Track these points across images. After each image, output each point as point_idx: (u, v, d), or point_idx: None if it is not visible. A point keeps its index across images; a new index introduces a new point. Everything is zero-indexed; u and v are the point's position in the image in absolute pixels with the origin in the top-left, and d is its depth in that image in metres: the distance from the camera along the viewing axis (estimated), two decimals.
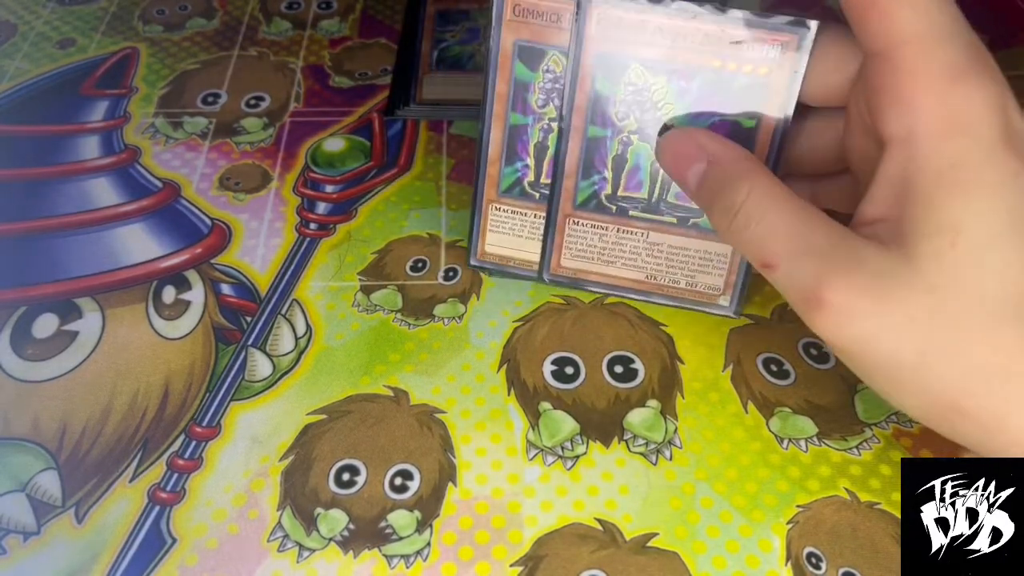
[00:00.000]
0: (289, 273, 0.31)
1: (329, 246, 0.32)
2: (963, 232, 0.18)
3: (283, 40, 0.42)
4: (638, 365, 0.29)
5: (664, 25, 0.24)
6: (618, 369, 0.28)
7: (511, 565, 0.24)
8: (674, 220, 0.27)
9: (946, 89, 0.19)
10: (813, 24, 0.23)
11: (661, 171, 0.26)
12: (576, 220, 0.28)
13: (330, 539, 0.24)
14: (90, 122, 0.37)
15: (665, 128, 0.25)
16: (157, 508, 0.25)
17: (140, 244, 0.32)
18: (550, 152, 0.26)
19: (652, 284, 0.29)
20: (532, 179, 0.27)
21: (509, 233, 0.29)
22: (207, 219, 0.33)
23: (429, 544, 0.24)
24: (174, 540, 0.24)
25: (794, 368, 0.29)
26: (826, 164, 0.25)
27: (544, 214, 0.28)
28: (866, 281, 0.19)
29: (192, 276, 0.31)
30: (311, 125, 0.37)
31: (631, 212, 0.27)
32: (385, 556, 0.24)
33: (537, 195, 0.27)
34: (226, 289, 0.31)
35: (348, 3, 0.45)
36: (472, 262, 0.29)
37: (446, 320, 0.30)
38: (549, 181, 0.27)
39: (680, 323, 0.30)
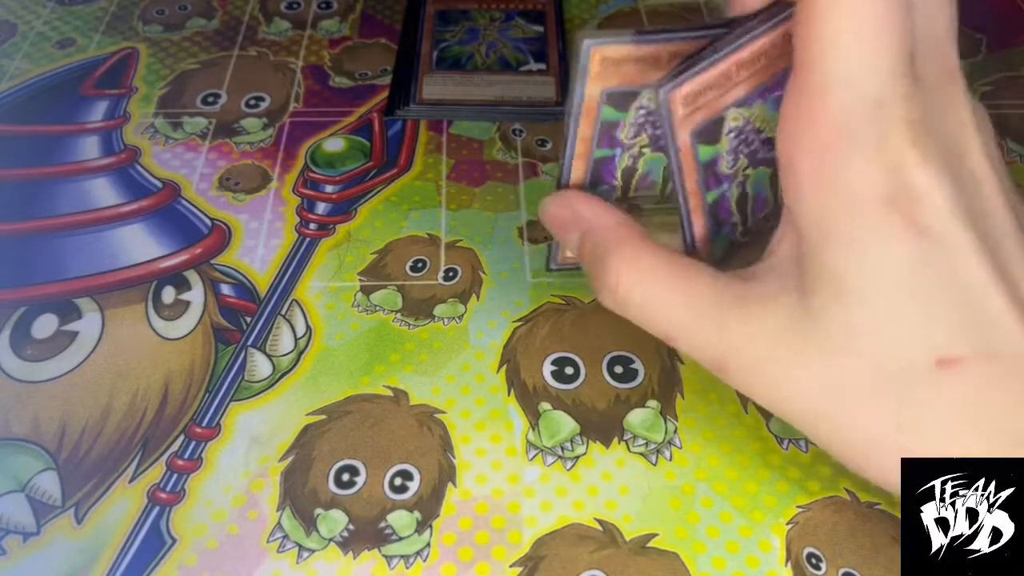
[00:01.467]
0: (289, 273, 0.31)
1: (329, 246, 0.32)
2: (846, 286, 0.18)
3: (283, 40, 0.42)
4: (638, 365, 0.28)
5: (677, 51, 0.23)
6: (618, 369, 0.28)
7: (511, 566, 0.24)
8: None
9: (820, 149, 0.18)
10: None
11: (675, 171, 0.26)
12: None
13: (330, 540, 0.24)
14: (90, 122, 0.37)
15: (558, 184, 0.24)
16: (157, 508, 0.25)
17: (140, 244, 0.32)
18: (639, 171, 0.26)
19: None
20: (620, 195, 0.27)
21: None
22: (207, 219, 0.33)
23: (429, 545, 0.24)
24: (174, 540, 0.24)
25: None
26: None
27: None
28: (763, 344, 0.19)
29: (192, 276, 0.31)
30: (311, 125, 0.37)
31: (643, 207, 0.27)
32: (385, 557, 0.24)
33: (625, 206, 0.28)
34: (226, 289, 0.31)
35: (348, 3, 0.45)
36: (552, 267, 0.29)
37: (446, 320, 0.30)
38: (636, 194, 0.27)
39: None
